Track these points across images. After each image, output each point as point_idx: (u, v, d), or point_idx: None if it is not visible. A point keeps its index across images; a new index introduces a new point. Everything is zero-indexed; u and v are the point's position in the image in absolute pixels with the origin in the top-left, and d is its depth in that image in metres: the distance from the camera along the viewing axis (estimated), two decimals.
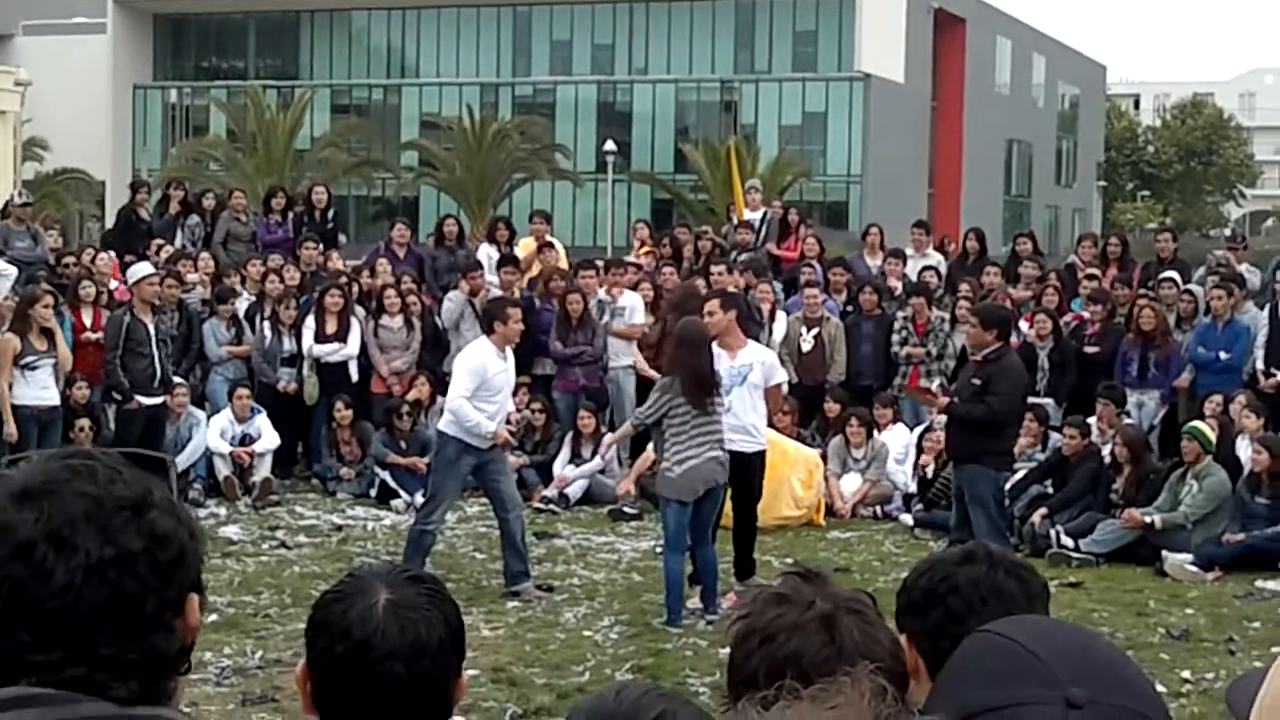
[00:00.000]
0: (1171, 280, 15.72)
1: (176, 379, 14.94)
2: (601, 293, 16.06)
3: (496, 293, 15.80)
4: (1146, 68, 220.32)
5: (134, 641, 1.75)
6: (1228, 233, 26.23)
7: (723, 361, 10.54)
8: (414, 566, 10.56)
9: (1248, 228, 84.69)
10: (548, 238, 18.19)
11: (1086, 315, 15.53)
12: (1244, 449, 13.33)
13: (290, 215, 18.73)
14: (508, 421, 11.57)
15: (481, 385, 10.90)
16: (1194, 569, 12.04)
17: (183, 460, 14.62)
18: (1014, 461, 12.04)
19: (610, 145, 54.83)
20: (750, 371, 10.76)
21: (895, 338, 15.88)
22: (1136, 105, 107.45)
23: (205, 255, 17.35)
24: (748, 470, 10.82)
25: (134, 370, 14.15)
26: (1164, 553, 12.22)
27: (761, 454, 11.07)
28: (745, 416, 10.75)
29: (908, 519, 14.04)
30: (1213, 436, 12.92)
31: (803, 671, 2.15)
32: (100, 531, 1.74)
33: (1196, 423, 13.13)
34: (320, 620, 2.32)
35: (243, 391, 15.26)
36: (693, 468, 10.06)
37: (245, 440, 15.06)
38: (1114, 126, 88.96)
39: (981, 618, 2.64)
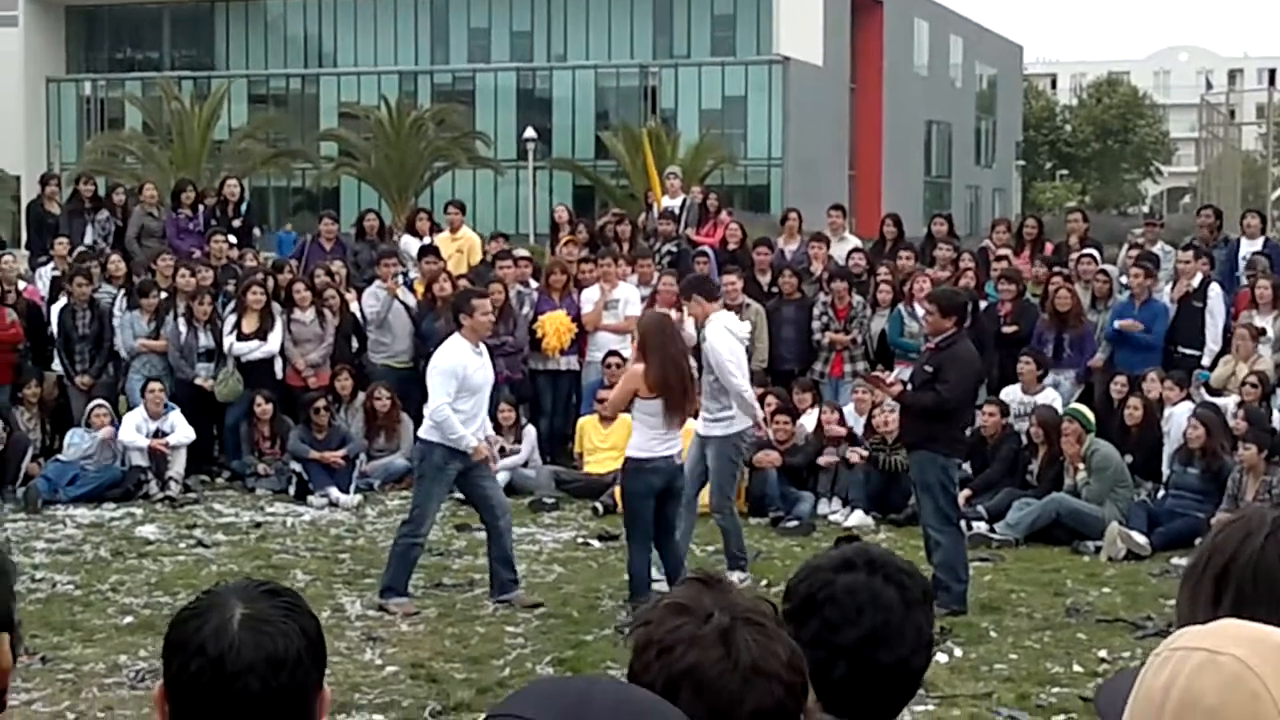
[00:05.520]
0: (1091, 256, 15.86)
1: (86, 377, 15.32)
2: (594, 290, 15.89)
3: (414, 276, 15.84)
4: (1063, 47, 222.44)
5: None
6: (1145, 209, 26.49)
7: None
8: (398, 580, 10.29)
9: (1165, 205, 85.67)
10: (464, 230, 18.16)
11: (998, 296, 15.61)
12: (1173, 421, 13.59)
13: (201, 209, 18.48)
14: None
15: (460, 386, 10.34)
16: (1141, 537, 12.16)
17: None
18: (965, 449, 11.99)
19: (530, 132, 54.65)
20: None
21: (816, 324, 15.84)
22: (1054, 85, 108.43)
23: (115, 257, 17.01)
24: None
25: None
26: (1114, 525, 12.26)
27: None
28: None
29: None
30: (1091, 416, 13.22)
31: (699, 685, 2.11)
32: None
33: (1075, 404, 13.35)
34: (174, 639, 2.23)
35: (155, 386, 14.99)
36: None
37: (159, 436, 14.86)
38: (1032, 106, 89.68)
39: (858, 627, 2.58)
